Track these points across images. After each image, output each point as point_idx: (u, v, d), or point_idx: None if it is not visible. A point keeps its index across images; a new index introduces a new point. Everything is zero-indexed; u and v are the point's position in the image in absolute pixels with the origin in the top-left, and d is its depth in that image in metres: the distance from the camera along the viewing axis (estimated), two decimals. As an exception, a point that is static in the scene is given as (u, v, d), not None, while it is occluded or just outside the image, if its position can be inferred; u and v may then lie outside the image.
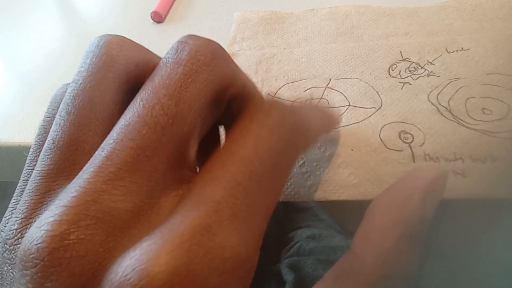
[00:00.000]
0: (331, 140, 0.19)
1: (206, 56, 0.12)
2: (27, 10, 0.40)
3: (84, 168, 0.11)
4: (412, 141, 0.19)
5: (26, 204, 0.11)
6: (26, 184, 0.12)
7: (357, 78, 0.23)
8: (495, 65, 0.22)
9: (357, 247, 0.13)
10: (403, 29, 0.26)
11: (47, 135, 0.13)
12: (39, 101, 0.28)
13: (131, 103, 0.11)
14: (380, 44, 0.25)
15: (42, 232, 0.10)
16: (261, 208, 0.11)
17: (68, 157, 0.12)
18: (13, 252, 0.11)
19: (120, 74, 0.12)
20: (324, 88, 0.23)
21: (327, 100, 0.22)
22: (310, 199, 0.18)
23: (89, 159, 0.11)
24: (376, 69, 0.23)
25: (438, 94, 0.21)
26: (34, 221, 0.11)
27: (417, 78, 0.22)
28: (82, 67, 0.13)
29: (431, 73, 0.22)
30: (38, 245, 0.09)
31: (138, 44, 0.14)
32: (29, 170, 0.13)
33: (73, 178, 0.11)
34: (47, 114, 0.14)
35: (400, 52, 0.24)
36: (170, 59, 0.12)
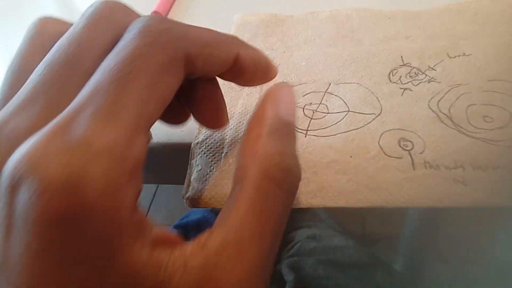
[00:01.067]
0: None
1: (103, 12, 0.15)
2: (27, 10, 0.40)
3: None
4: (412, 148, 0.19)
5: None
6: None
7: (357, 83, 0.23)
8: (497, 71, 0.21)
9: (238, 160, 0.15)
10: (404, 32, 0.26)
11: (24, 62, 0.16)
12: None
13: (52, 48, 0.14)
14: (380, 48, 0.25)
15: None
16: (127, 105, 0.12)
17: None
18: None
19: (46, 43, 0.15)
20: (323, 93, 0.22)
21: (327, 105, 0.22)
22: (308, 206, 0.18)
23: None
24: (376, 74, 0.23)
25: (439, 101, 0.21)
26: None
27: (417, 84, 0.22)
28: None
29: (432, 79, 0.22)
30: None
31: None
32: None
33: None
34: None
35: (401, 56, 0.24)
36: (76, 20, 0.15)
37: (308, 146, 0.20)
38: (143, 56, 0.12)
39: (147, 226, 0.12)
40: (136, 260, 0.11)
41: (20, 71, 0.15)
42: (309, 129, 0.21)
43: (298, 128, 0.21)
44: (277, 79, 0.24)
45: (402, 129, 0.19)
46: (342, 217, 0.54)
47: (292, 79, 0.24)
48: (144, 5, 0.36)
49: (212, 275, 0.12)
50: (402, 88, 0.22)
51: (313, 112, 0.22)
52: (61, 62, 0.14)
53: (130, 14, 0.15)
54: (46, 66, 0.14)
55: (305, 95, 0.23)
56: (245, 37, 0.29)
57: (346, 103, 0.22)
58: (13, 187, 0.10)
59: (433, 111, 0.20)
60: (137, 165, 0.12)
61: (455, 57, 0.23)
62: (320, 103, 0.22)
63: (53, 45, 0.14)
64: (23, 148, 0.11)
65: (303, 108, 0.22)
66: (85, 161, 0.10)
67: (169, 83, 0.13)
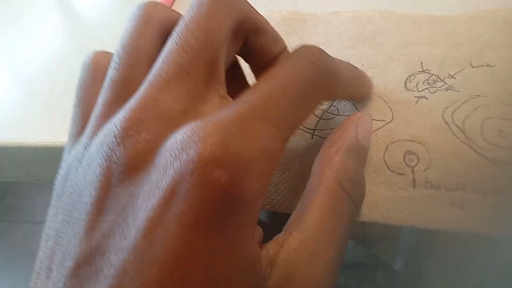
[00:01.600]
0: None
1: None
2: (27, 10, 0.40)
3: (140, 86, 0.14)
4: (416, 164, 0.18)
5: (93, 125, 0.14)
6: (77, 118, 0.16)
7: None
8: None
9: (314, 170, 0.16)
10: (427, 38, 0.25)
11: (89, 91, 0.16)
12: (39, 101, 0.28)
13: (169, 37, 0.15)
14: (400, 53, 0.24)
15: (114, 122, 0.13)
16: (288, 121, 0.14)
17: (124, 89, 0.15)
18: (86, 149, 0.14)
19: (157, 27, 0.16)
20: None
21: (337, 108, 0.21)
22: None
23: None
24: (392, 80, 0.22)
25: (454, 111, 0.20)
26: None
27: (434, 92, 0.21)
28: (127, 26, 0.16)
29: (451, 87, 0.21)
30: (111, 130, 0.13)
31: (170, 8, 0.17)
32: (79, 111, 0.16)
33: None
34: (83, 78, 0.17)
35: (421, 62, 0.23)
36: (195, 2, 0.15)
37: (314, 149, 0.19)
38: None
39: (258, 226, 0.13)
40: (254, 256, 0.13)
41: (134, 53, 0.15)
42: (316, 128, 0.20)
43: (306, 128, 0.21)
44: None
45: (411, 140, 0.19)
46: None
47: None
48: None
49: (296, 271, 0.13)
50: (417, 97, 0.21)
51: (323, 112, 0.21)
52: (198, 48, 0.14)
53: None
54: (181, 49, 0.14)
55: None
56: None
57: (357, 108, 0.21)
58: (187, 156, 0.11)
59: (446, 122, 0.19)
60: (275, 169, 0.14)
61: (477, 66, 0.22)
62: (331, 105, 0.21)
63: (164, 31, 0.16)
64: (201, 124, 0.12)
65: None
66: (255, 153, 0.12)
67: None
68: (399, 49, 0.24)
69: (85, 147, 0.14)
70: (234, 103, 0.13)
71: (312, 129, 0.20)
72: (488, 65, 0.22)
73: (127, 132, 0.13)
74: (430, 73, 0.22)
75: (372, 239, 0.89)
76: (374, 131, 0.19)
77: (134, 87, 0.14)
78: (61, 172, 0.15)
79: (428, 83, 0.22)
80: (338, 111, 0.21)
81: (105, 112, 0.15)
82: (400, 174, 0.18)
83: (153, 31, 0.16)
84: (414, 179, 0.17)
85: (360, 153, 0.17)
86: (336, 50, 0.25)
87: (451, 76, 0.22)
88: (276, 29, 0.28)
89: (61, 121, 0.26)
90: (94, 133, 0.14)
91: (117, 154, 0.13)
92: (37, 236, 1.08)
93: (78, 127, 0.16)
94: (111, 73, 0.15)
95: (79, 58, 0.32)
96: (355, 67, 0.19)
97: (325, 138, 0.19)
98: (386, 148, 0.19)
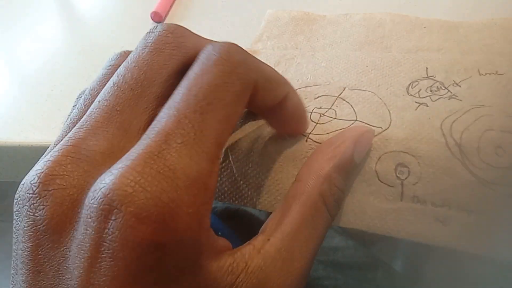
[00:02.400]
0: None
1: (168, 37, 0.15)
2: (27, 10, 0.40)
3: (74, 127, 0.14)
4: (406, 177, 0.18)
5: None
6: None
7: (372, 92, 0.21)
8: None
9: (301, 175, 0.16)
10: (437, 44, 0.24)
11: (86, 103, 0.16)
12: (39, 101, 0.28)
13: (114, 75, 0.15)
14: (407, 58, 0.23)
15: (34, 172, 0.13)
16: (209, 136, 0.13)
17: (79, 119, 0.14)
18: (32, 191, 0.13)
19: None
20: (335, 98, 0.22)
21: (335, 111, 0.21)
22: None
23: None
24: (394, 84, 0.22)
25: (454, 121, 0.19)
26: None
27: (436, 100, 0.20)
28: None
29: (454, 96, 0.20)
30: (31, 182, 0.12)
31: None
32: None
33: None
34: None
35: (426, 68, 0.22)
36: (139, 45, 0.15)
37: (307, 154, 0.19)
38: (222, 86, 0.13)
39: (214, 239, 0.13)
40: (212, 271, 0.12)
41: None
42: (311, 133, 0.20)
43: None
44: (293, 78, 0.23)
45: (404, 152, 0.18)
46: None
47: (308, 79, 0.23)
48: (144, 5, 0.36)
49: (270, 277, 0.13)
50: (418, 103, 0.20)
51: (320, 116, 0.21)
52: (132, 85, 0.14)
53: (194, 38, 0.16)
54: (116, 88, 0.14)
55: (316, 97, 0.22)
56: (273, 33, 0.28)
57: (355, 112, 0.20)
58: (106, 214, 0.11)
59: (443, 134, 0.18)
60: (214, 191, 0.13)
61: (485, 74, 0.21)
62: (330, 108, 0.21)
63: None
64: (114, 174, 0.11)
65: (311, 112, 0.21)
66: (176, 191, 0.11)
67: (239, 112, 0.14)
68: (406, 53, 0.24)
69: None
70: (147, 133, 0.13)
71: (306, 134, 0.20)
72: (497, 73, 0.21)
73: (47, 185, 0.12)
74: (434, 80, 0.21)
75: (372, 239, 0.89)
76: None
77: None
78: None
79: (431, 90, 0.21)
80: (336, 114, 0.21)
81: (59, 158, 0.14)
82: (390, 186, 0.17)
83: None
84: (402, 192, 0.17)
85: (349, 170, 0.17)
86: (341, 52, 0.25)
87: (456, 83, 0.21)
88: (284, 29, 0.28)
89: (61, 120, 0.26)
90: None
91: (39, 214, 0.12)
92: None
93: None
94: (73, 112, 0.15)
95: (79, 58, 0.32)
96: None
97: (319, 143, 0.19)
98: (379, 158, 0.18)
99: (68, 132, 0.14)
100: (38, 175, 0.12)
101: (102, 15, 0.38)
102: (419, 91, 0.21)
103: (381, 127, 0.19)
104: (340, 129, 0.20)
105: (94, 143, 0.13)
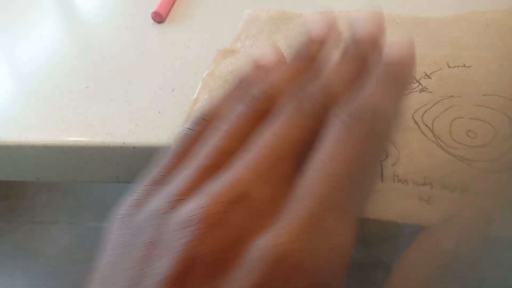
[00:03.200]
0: None
1: (316, 106, 0.16)
2: (27, 10, 0.40)
3: (233, 164, 0.14)
4: (384, 159, 0.18)
5: (179, 188, 0.14)
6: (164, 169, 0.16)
7: None
8: (494, 86, 0.21)
9: (394, 279, 0.15)
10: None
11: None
12: (39, 101, 0.28)
13: (268, 125, 0.16)
14: None
15: (202, 205, 0.13)
16: (355, 202, 0.14)
17: (222, 158, 0.15)
18: (162, 219, 0.14)
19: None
20: None
21: None
22: None
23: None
24: None
25: (425, 112, 0.20)
26: (188, 200, 0.14)
27: (407, 94, 0.21)
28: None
29: (424, 89, 0.21)
30: (200, 211, 0.13)
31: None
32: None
33: (220, 174, 0.14)
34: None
35: None
36: (292, 108, 0.16)
37: None
38: (369, 159, 0.14)
39: None
40: None
41: (238, 127, 0.16)
42: None
43: None
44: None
45: None
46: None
47: None
48: (145, 5, 0.36)
49: None
50: None
51: None
52: (298, 139, 0.15)
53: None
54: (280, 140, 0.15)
55: None
56: (251, 32, 0.29)
57: None
58: (273, 265, 0.12)
59: (415, 122, 0.20)
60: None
61: (454, 67, 0.22)
62: None
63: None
64: (283, 229, 0.12)
65: None
66: (331, 255, 0.13)
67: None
68: None
69: (166, 208, 0.14)
70: (302, 195, 0.13)
71: None
72: (464, 66, 0.22)
73: (213, 219, 0.13)
74: None
75: (372, 240, 0.89)
76: None
77: (227, 159, 0.15)
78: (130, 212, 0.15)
79: None
80: None
81: (195, 180, 0.15)
82: None
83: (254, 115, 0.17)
84: (382, 173, 0.18)
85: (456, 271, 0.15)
86: None
87: (427, 75, 0.22)
88: (262, 28, 0.29)
89: (62, 120, 0.26)
90: (179, 201, 0.14)
91: (202, 245, 0.12)
92: (37, 236, 1.08)
93: (162, 176, 0.16)
94: (214, 138, 0.16)
95: (80, 57, 0.33)
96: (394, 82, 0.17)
97: None
98: None
99: (207, 158, 0.15)
100: (206, 206, 0.13)
101: (102, 15, 0.38)
102: None
103: None
104: None
105: (260, 189, 0.14)
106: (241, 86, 0.19)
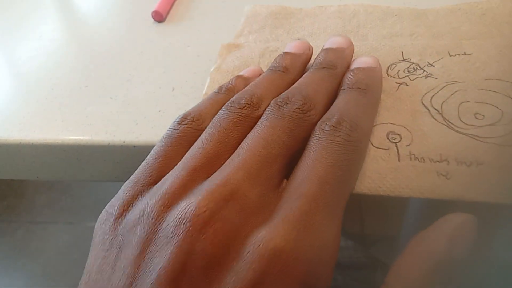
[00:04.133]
0: None
1: (298, 113, 0.17)
2: (27, 10, 0.40)
3: (223, 167, 0.15)
4: (399, 141, 0.19)
5: (170, 188, 0.15)
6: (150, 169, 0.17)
7: None
8: (495, 71, 0.21)
9: (389, 279, 0.15)
10: (409, 30, 0.26)
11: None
12: (39, 100, 0.28)
13: (257, 129, 0.17)
14: (383, 44, 0.25)
15: (196, 204, 0.14)
16: (341, 201, 0.15)
17: (211, 162, 0.16)
18: (154, 218, 0.14)
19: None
20: None
21: None
22: None
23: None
24: None
25: (433, 96, 0.21)
26: (180, 199, 0.14)
27: (414, 79, 0.22)
28: (222, 115, 0.18)
29: (429, 75, 0.22)
30: (194, 210, 0.13)
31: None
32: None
33: (211, 175, 0.15)
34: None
35: (402, 52, 0.24)
36: (275, 114, 0.17)
37: None
38: (353, 166, 0.17)
39: None
40: None
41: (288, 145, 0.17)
42: None
43: None
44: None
45: (392, 123, 0.20)
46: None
47: None
48: (144, 5, 0.36)
49: None
50: (398, 83, 0.22)
51: None
52: (289, 144, 0.16)
53: (319, 108, 0.18)
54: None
55: None
56: (253, 27, 0.29)
57: None
58: (269, 258, 0.13)
59: (425, 106, 0.20)
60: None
61: (455, 55, 0.23)
62: None
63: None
64: (276, 226, 0.13)
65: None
66: (322, 250, 0.14)
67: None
68: (381, 40, 0.26)
69: (157, 207, 0.14)
70: (294, 195, 0.14)
71: None
72: (465, 54, 0.23)
73: (206, 216, 0.13)
74: (410, 62, 0.23)
75: (371, 240, 0.89)
76: None
77: (219, 161, 0.16)
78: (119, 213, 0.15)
79: (408, 71, 0.22)
80: None
81: (186, 180, 0.15)
82: (385, 149, 0.18)
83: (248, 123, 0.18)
84: (398, 153, 0.18)
85: (450, 273, 0.15)
86: (321, 42, 0.26)
87: (430, 64, 0.23)
88: (264, 23, 0.29)
89: (61, 119, 0.26)
90: (170, 200, 0.15)
91: (197, 242, 0.13)
92: (37, 236, 1.08)
93: (148, 176, 0.16)
94: (202, 141, 0.17)
95: (79, 57, 0.33)
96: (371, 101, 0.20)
97: None
98: None
99: (197, 159, 0.16)
100: (199, 205, 0.13)
101: (103, 13, 0.38)
102: (397, 72, 0.23)
103: None
104: None
105: (249, 189, 0.15)
106: (222, 91, 0.20)
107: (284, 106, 0.17)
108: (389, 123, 0.20)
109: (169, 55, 0.30)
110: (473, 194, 0.16)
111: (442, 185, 0.17)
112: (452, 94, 0.21)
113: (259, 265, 0.12)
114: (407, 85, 0.22)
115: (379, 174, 0.18)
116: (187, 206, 0.14)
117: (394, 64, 0.23)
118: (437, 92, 0.21)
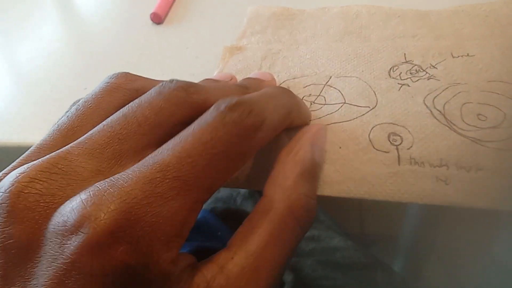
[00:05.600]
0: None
1: (181, 93, 0.15)
2: (27, 10, 0.40)
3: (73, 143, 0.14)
4: (400, 143, 0.19)
5: (13, 164, 0.15)
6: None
7: (357, 77, 0.23)
8: (498, 72, 0.21)
9: (267, 190, 0.16)
10: (411, 31, 0.26)
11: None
12: (38, 102, 0.28)
13: (124, 107, 0.15)
14: (385, 45, 0.25)
15: (12, 179, 0.13)
16: (205, 181, 0.13)
17: (64, 138, 0.15)
18: None
19: (123, 94, 0.17)
20: (323, 86, 0.23)
21: (324, 97, 0.22)
22: None
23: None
24: (377, 69, 0.23)
25: (435, 97, 0.21)
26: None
27: (416, 81, 0.22)
28: (94, 88, 0.17)
29: (432, 77, 0.22)
30: (5, 190, 0.12)
31: (140, 76, 0.18)
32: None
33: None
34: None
35: (404, 54, 0.24)
36: (154, 91, 0.15)
37: None
38: (230, 146, 0.14)
39: (180, 266, 0.13)
40: None
41: (90, 110, 0.16)
42: None
43: None
44: (280, 71, 0.24)
45: (394, 124, 0.20)
46: (340, 218, 0.54)
47: (295, 71, 0.25)
48: (144, 6, 0.36)
49: None
50: (400, 84, 0.22)
51: (311, 104, 0.22)
52: (141, 121, 0.15)
53: (204, 95, 0.16)
54: (124, 118, 0.15)
55: (305, 86, 0.23)
56: (255, 29, 0.29)
57: (343, 95, 0.22)
58: (74, 231, 0.11)
59: (427, 107, 0.20)
60: (191, 227, 0.13)
61: (458, 57, 0.23)
62: (319, 95, 0.22)
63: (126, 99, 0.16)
64: (93, 191, 0.12)
65: (302, 99, 0.22)
66: (154, 220, 0.12)
67: (240, 166, 0.15)
68: (384, 41, 0.25)
69: None
70: (144, 161, 0.13)
71: None
72: (468, 55, 0.23)
73: (19, 198, 0.12)
74: (412, 64, 0.23)
75: (371, 239, 0.88)
76: (359, 116, 0.20)
77: (74, 137, 0.15)
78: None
79: (410, 73, 0.22)
80: (325, 100, 0.22)
81: (31, 155, 0.15)
82: (385, 152, 0.18)
83: (118, 96, 0.16)
84: (399, 156, 0.18)
85: (314, 173, 0.17)
86: (323, 43, 0.26)
87: (432, 66, 0.23)
88: (266, 24, 0.29)
89: (60, 120, 0.26)
90: (5, 172, 0.14)
91: (7, 233, 0.12)
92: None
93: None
94: (61, 119, 0.16)
95: (79, 58, 0.33)
96: (288, 98, 0.18)
97: None
98: (372, 129, 0.20)
99: (55, 137, 0.15)
100: (12, 183, 0.12)
101: (102, 15, 0.38)
102: (400, 74, 0.23)
103: (368, 107, 0.21)
104: (330, 114, 0.21)
105: (85, 161, 0.13)
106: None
107: (166, 86, 0.16)
108: (391, 123, 0.20)
109: (168, 56, 0.30)
110: (471, 201, 0.17)
111: (441, 191, 0.17)
112: (454, 96, 0.20)
113: (67, 247, 0.11)
114: (409, 86, 0.22)
115: (379, 178, 0.18)
116: (3, 185, 0.13)
117: (396, 66, 0.23)
118: (440, 93, 0.21)
